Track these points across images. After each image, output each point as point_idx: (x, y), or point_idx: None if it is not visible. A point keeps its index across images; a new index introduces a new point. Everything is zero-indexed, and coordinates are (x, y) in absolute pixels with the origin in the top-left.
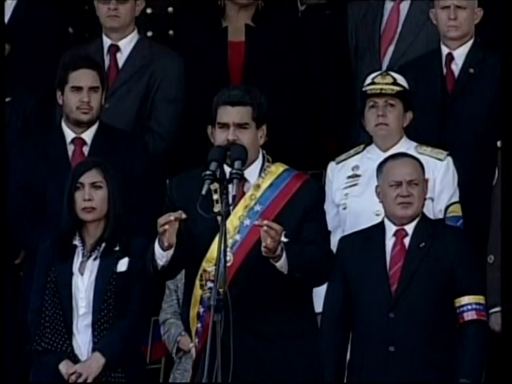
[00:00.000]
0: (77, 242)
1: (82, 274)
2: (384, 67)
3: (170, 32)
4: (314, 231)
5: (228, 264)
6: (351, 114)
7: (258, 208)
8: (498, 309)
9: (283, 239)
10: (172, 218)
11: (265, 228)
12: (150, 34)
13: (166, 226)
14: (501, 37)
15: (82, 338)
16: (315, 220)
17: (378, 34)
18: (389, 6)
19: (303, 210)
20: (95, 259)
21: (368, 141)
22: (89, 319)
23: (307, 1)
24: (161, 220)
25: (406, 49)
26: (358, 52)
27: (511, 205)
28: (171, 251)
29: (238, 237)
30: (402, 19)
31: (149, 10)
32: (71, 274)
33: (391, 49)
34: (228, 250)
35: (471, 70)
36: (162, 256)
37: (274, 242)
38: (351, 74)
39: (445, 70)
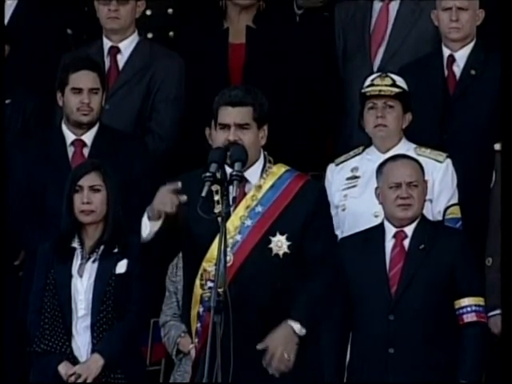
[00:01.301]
0: (76, 244)
1: (81, 276)
2: (375, 68)
3: (171, 33)
4: (321, 243)
5: (228, 264)
6: (342, 115)
7: (259, 209)
8: (496, 312)
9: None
10: (177, 187)
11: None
12: (150, 35)
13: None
14: (501, 37)
15: (82, 340)
16: (322, 228)
17: (368, 35)
18: (377, 6)
19: (306, 212)
20: (94, 261)
21: (367, 142)
22: (88, 321)
23: (304, 4)
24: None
25: (397, 49)
26: (346, 54)
27: (511, 206)
28: (157, 224)
29: (238, 237)
30: (392, 19)
31: (148, 12)
32: (70, 276)
33: (382, 50)
34: (228, 250)
35: (473, 72)
36: (145, 226)
37: (289, 362)
38: (339, 75)
39: (446, 72)
